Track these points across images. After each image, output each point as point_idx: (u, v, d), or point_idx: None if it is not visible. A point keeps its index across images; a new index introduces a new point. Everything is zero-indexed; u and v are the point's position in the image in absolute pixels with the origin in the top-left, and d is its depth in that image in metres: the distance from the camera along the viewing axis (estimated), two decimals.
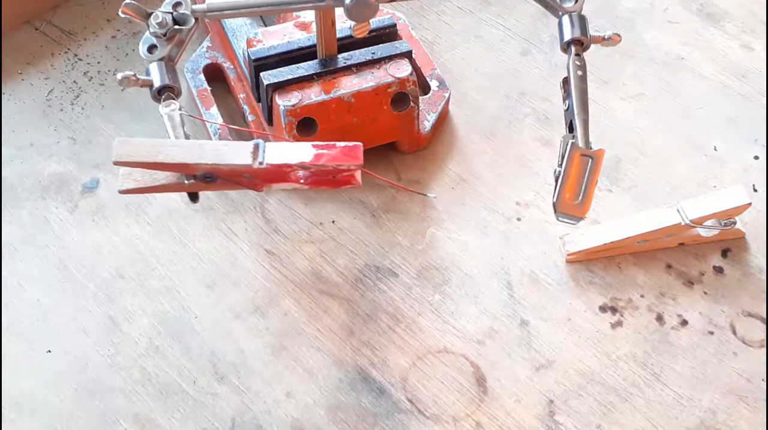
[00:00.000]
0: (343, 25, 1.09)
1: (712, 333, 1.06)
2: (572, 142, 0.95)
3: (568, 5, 1.02)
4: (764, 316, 1.07)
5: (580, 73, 0.99)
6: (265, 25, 1.21)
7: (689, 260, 1.11)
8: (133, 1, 0.97)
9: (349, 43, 1.12)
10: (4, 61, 1.29)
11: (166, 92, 0.98)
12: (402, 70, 1.12)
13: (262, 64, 1.11)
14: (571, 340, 1.06)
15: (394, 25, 1.15)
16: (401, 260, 1.12)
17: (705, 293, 1.09)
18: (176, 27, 0.99)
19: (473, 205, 1.16)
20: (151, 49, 1.00)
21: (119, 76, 0.98)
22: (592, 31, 1.02)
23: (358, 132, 1.12)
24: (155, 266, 1.11)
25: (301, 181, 0.98)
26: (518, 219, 1.15)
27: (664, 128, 1.23)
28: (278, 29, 1.15)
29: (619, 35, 1.02)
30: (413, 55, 1.16)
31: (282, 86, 1.10)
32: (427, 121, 1.20)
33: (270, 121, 1.15)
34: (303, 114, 1.09)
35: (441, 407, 1.01)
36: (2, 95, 1.26)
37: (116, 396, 1.02)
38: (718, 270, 1.10)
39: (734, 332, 1.06)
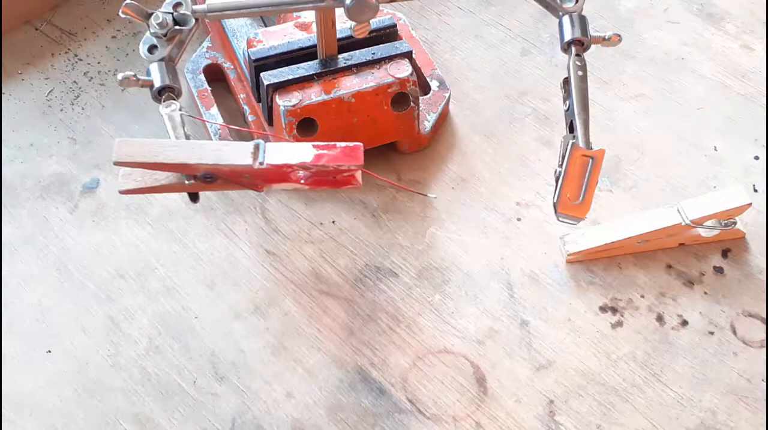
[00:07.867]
0: (344, 25, 1.09)
1: (712, 333, 1.06)
2: (573, 143, 0.96)
3: (569, 5, 1.02)
4: (764, 316, 1.07)
5: (580, 73, 0.99)
6: (266, 26, 1.21)
7: (689, 260, 1.11)
8: (133, 2, 0.97)
9: (349, 44, 1.12)
10: (4, 61, 1.29)
11: (166, 93, 0.99)
12: (402, 70, 1.12)
13: (263, 64, 1.11)
14: (571, 340, 1.06)
15: (395, 26, 1.15)
16: (401, 260, 1.12)
17: (705, 293, 1.09)
18: (177, 27, 0.99)
19: (473, 205, 1.16)
20: (152, 49, 1.00)
21: (119, 76, 0.98)
22: (593, 32, 1.02)
23: (359, 132, 1.12)
24: (155, 266, 1.11)
25: (302, 181, 0.98)
26: (518, 219, 1.15)
27: (664, 128, 1.23)
28: (278, 29, 1.15)
29: (619, 36, 1.02)
30: (413, 56, 1.16)
31: (282, 86, 1.10)
32: (427, 122, 1.20)
33: (270, 122, 1.15)
34: (303, 114, 1.09)
35: (441, 407, 1.01)
36: (2, 95, 1.26)
37: (116, 396, 1.02)
38: (719, 270, 1.10)
39: (734, 332, 1.06)
